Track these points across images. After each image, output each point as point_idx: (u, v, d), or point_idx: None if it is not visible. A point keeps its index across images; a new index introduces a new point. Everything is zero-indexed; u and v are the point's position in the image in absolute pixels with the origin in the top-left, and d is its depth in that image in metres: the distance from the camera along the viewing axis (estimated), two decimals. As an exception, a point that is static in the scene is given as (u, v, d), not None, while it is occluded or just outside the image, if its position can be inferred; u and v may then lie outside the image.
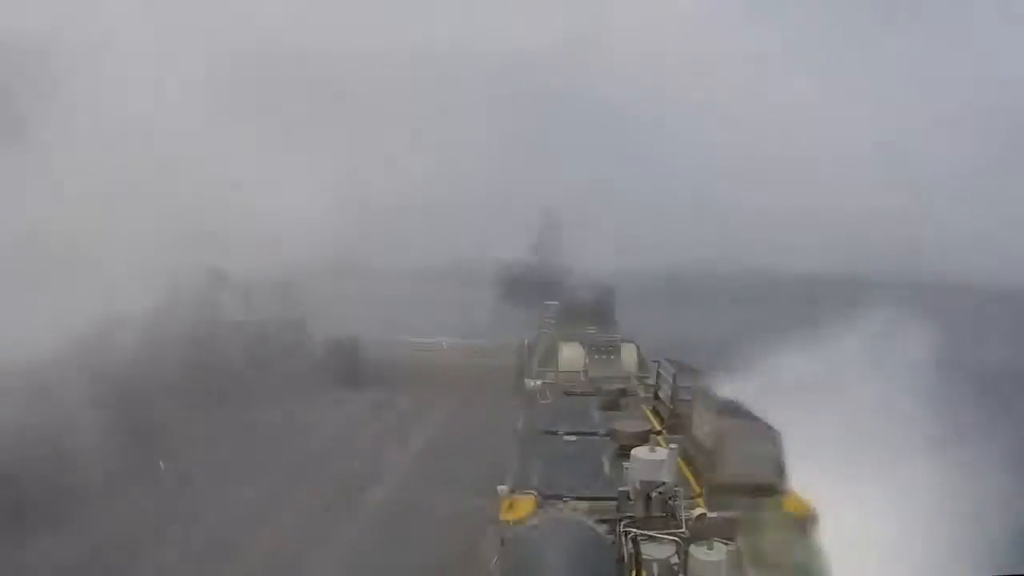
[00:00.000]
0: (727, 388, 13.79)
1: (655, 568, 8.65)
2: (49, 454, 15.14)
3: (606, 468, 12.89)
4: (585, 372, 23.39)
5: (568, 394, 19.87)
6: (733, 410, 12.46)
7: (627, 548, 8.96)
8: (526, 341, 26.68)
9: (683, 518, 9.49)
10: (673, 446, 10.84)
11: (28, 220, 17.70)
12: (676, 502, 9.64)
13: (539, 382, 20.62)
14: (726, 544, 8.85)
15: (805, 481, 10.51)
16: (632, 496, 9.85)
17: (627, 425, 14.22)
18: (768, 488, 10.80)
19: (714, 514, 9.86)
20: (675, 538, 8.99)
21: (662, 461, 9.84)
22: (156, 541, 14.41)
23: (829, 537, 9.36)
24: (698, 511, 9.88)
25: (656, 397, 18.18)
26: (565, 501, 9.46)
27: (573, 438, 15.16)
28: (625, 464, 10.34)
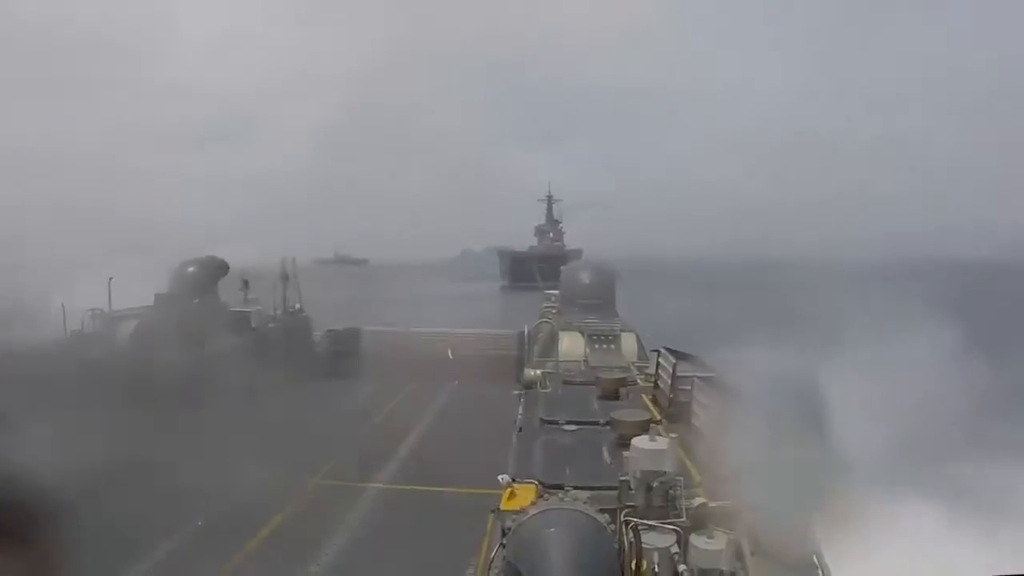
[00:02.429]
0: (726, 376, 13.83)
1: (655, 557, 8.68)
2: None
3: (606, 457, 12.92)
4: (585, 361, 23.45)
5: (568, 383, 19.89)
6: (733, 397, 12.48)
7: (627, 537, 8.99)
8: (526, 330, 26.71)
9: (683, 507, 9.52)
10: (674, 435, 10.84)
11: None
12: (677, 491, 9.66)
13: (539, 371, 20.63)
14: (727, 533, 8.89)
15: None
16: (633, 485, 9.85)
17: (627, 414, 14.23)
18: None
19: (715, 503, 9.90)
20: (675, 527, 9.02)
21: (663, 450, 9.84)
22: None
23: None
24: (699, 500, 9.90)
25: (656, 386, 18.21)
26: (566, 490, 9.46)
27: (573, 427, 15.19)
28: (625, 453, 10.34)
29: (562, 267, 33.11)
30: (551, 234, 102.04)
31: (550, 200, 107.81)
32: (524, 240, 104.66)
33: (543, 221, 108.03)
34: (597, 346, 24.33)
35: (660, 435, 10.63)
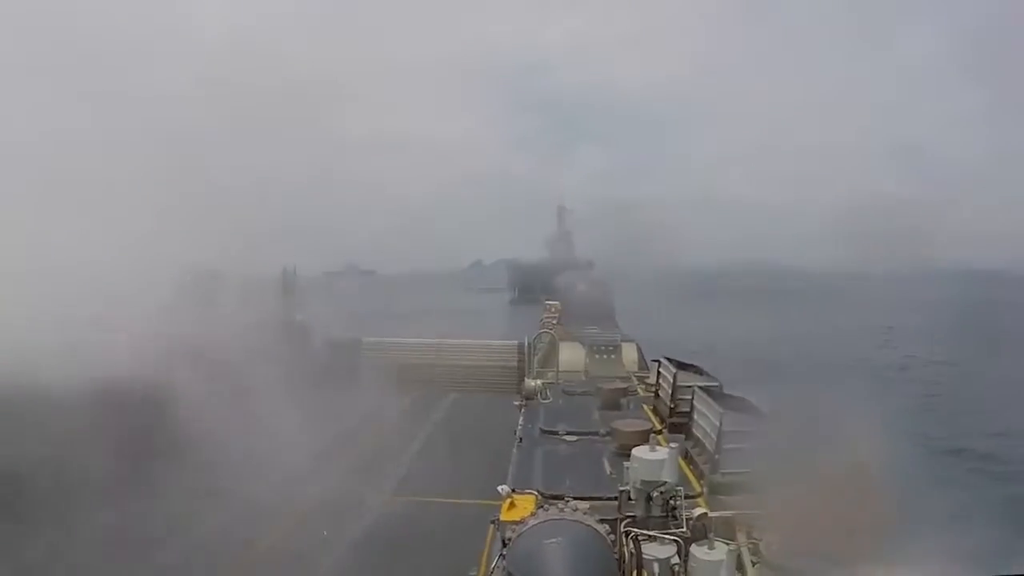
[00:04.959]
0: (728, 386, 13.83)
1: (656, 568, 8.64)
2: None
3: (607, 468, 12.89)
4: (586, 371, 23.44)
5: (568, 393, 19.88)
6: (734, 407, 12.48)
7: (628, 548, 8.95)
8: (527, 341, 26.68)
9: (684, 517, 9.49)
10: (674, 445, 10.82)
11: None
12: (677, 501, 9.64)
13: (539, 382, 20.62)
14: (727, 544, 8.85)
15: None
16: (633, 496, 9.84)
17: (627, 424, 14.23)
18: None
19: (715, 513, 9.87)
20: (676, 538, 8.98)
21: (663, 460, 9.82)
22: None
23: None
24: (699, 510, 9.87)
25: (656, 396, 18.18)
26: (566, 501, 9.44)
27: (574, 438, 15.17)
28: (626, 464, 10.33)
29: (558, 277, 33.16)
30: (563, 246, 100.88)
31: (561, 211, 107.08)
32: (537, 252, 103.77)
33: (557, 229, 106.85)
34: (597, 356, 24.33)
35: (660, 445, 10.61)
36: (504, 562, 8.45)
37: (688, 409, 14.69)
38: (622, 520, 9.57)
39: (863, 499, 8.26)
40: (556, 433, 15.42)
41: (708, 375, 16.43)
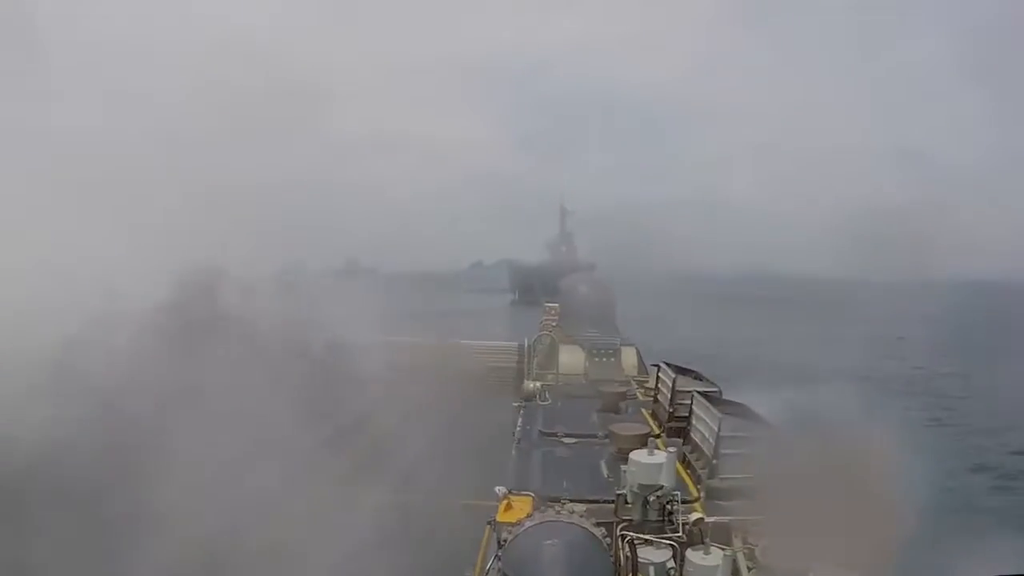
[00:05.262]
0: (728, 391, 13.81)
1: (651, 572, 8.65)
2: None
3: (604, 471, 12.88)
4: (585, 374, 23.41)
5: (568, 396, 19.87)
6: (732, 412, 12.47)
7: (624, 551, 8.94)
8: (527, 342, 26.65)
9: (680, 522, 9.48)
10: (672, 449, 10.80)
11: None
12: (674, 506, 9.63)
13: (539, 384, 20.60)
14: (723, 549, 8.84)
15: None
16: (630, 499, 9.82)
17: (626, 428, 14.20)
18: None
19: (712, 518, 9.85)
20: (672, 542, 8.98)
21: (661, 464, 9.80)
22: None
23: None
24: (695, 515, 9.86)
25: (655, 400, 18.16)
26: (563, 503, 9.43)
27: (572, 440, 15.15)
28: (623, 467, 10.32)
29: (561, 280, 33.11)
30: (564, 248, 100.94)
31: (563, 212, 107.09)
32: (538, 253, 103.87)
33: (560, 230, 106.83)
34: (597, 359, 24.30)
35: (658, 449, 10.60)
36: (500, 563, 8.45)
37: (687, 414, 14.67)
38: (618, 523, 9.56)
39: (872, 510, 8.24)
40: (555, 435, 15.41)
41: (707, 380, 16.42)
